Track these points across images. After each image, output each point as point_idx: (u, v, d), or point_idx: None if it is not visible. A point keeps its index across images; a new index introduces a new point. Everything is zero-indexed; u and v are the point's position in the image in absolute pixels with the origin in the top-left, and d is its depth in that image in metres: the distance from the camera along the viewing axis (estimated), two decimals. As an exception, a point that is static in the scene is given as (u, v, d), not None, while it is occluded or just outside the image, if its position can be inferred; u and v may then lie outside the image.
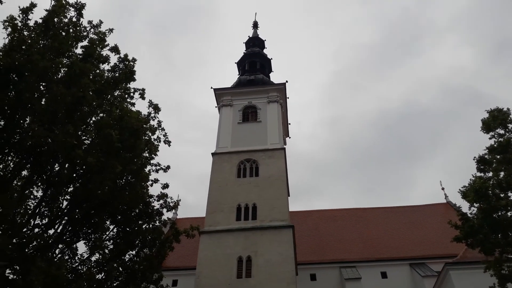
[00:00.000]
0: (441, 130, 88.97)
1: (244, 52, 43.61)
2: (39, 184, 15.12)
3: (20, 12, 14.52)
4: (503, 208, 17.16)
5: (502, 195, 17.54)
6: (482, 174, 18.74)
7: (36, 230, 14.68)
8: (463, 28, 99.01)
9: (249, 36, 46.32)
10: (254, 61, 41.87)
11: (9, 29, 14.32)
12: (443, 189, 40.97)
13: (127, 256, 17.11)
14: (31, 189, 15.16)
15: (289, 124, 39.82)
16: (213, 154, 31.35)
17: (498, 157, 18.34)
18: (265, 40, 45.86)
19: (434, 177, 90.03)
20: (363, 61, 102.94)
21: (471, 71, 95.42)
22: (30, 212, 14.86)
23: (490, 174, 18.43)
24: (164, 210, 18.35)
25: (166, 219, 18.65)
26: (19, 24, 14.53)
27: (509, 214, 17.32)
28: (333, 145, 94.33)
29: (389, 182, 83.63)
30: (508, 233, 17.19)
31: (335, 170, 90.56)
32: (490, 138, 18.92)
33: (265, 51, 44.60)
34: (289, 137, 40.52)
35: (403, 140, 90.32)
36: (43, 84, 14.50)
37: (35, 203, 15.09)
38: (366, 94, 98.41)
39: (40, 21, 14.88)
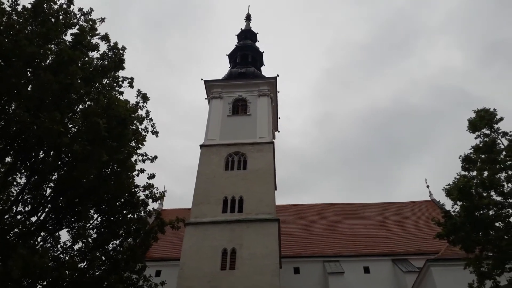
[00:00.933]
0: (429, 129, 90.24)
1: (236, 45, 43.46)
2: (23, 171, 14.94)
3: (9, -4, 14.24)
4: (485, 206, 17.44)
5: (484, 194, 17.81)
6: (466, 173, 19.00)
7: (19, 217, 14.53)
8: (455, 30, 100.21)
9: (241, 29, 46.16)
10: (246, 54, 41.76)
11: (-3, 14, 14.04)
12: (428, 187, 41.62)
13: (110, 245, 17.04)
14: (14, 176, 14.96)
15: (279, 118, 39.96)
16: (201, 146, 31.29)
17: (482, 156, 18.61)
18: (257, 33, 45.82)
19: (420, 175, 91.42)
20: (355, 60, 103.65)
21: (461, 73, 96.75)
22: (12, 198, 14.67)
23: (474, 173, 18.69)
24: (150, 201, 18.31)
25: (152, 209, 18.61)
26: (8, 8, 14.26)
27: (490, 212, 17.62)
28: (322, 142, 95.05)
29: (376, 179, 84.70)
30: (488, 231, 17.51)
31: (324, 166, 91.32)
32: (476, 138, 19.15)
33: (257, 44, 44.53)
34: (279, 131, 40.67)
35: (391, 139, 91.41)
36: (30, 70, 14.28)
37: (18, 190, 14.91)
38: (357, 92, 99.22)
39: (29, 6, 14.63)
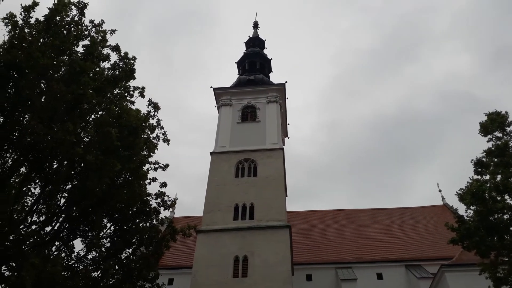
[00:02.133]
0: (438, 135, 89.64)
1: (244, 52, 43.66)
2: (37, 181, 15.13)
3: (22, 10, 14.54)
4: (499, 211, 17.22)
5: (498, 198, 17.60)
6: (479, 177, 18.80)
7: (33, 227, 14.70)
8: (461, 35, 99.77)
9: (249, 36, 46.37)
10: (254, 61, 41.90)
11: (9, 26, 14.33)
12: (440, 191, 41.12)
13: (123, 254, 17.14)
14: (29, 186, 15.18)
15: (288, 124, 39.91)
16: (211, 153, 31.38)
17: (495, 160, 18.41)
18: (265, 40, 45.97)
19: (431, 180, 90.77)
20: (361, 67, 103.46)
21: (468, 77, 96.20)
22: (27, 209, 14.88)
23: (487, 177, 18.48)
24: (162, 209, 18.40)
25: (163, 217, 18.68)
26: (20, 21, 14.54)
27: (505, 217, 17.37)
28: (330, 149, 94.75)
29: (386, 185, 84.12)
30: (504, 236, 17.26)
31: (332, 173, 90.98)
32: (488, 141, 18.97)
33: (265, 51, 44.67)
34: (288, 138, 40.63)
35: (400, 145, 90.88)
36: (43, 81, 14.52)
37: (33, 200, 15.11)
38: (364, 99, 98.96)
39: (42, 19, 14.90)
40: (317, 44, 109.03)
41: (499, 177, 17.92)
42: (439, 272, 25.54)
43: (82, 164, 14.75)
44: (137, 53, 17.40)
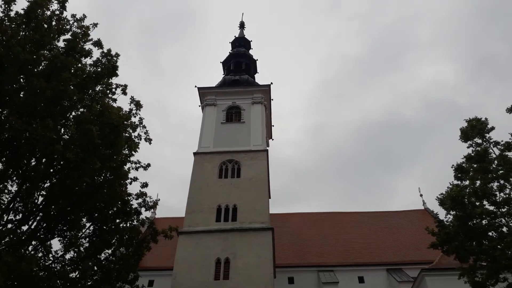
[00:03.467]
0: (421, 140, 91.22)
1: (229, 52, 43.50)
2: (14, 178, 14.70)
3: (3, 2, 14.14)
4: (478, 216, 17.49)
5: (477, 204, 17.87)
6: (459, 182, 19.07)
7: (9, 225, 14.27)
8: (444, 44, 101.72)
9: (235, 36, 46.22)
10: (240, 61, 41.77)
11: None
12: (421, 195, 41.63)
13: (103, 255, 16.78)
14: (6, 183, 14.72)
15: (273, 126, 39.91)
16: (194, 153, 31.10)
17: (475, 165, 18.70)
18: (251, 41, 45.87)
19: (413, 185, 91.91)
20: (348, 72, 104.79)
21: (451, 85, 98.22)
22: (3, 207, 14.42)
23: (467, 182, 18.75)
24: (143, 210, 18.09)
25: (144, 218, 18.38)
26: (0, 14, 14.15)
27: (483, 222, 17.66)
28: (315, 153, 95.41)
29: (369, 189, 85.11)
30: (482, 241, 17.53)
31: (317, 177, 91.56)
32: (468, 147, 19.26)
33: (251, 52, 44.60)
34: (272, 139, 40.64)
35: (384, 150, 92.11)
36: (23, 76, 14.13)
37: (9, 198, 14.66)
38: (350, 104, 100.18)
39: (22, 12, 14.51)
40: (303, 48, 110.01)
41: (478, 182, 18.20)
42: (419, 276, 25.83)
43: (62, 162, 14.39)
44: (124, 53, 17.13)
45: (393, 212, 40.27)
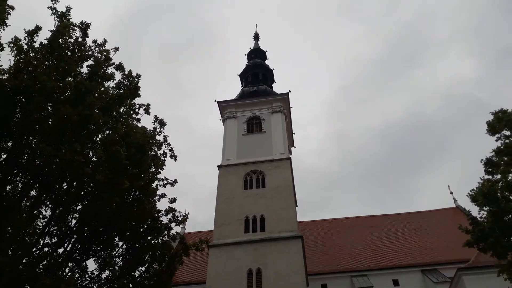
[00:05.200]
0: (447, 138, 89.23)
1: (246, 64, 43.92)
2: (48, 203, 15.18)
3: (26, 34, 14.75)
4: (513, 210, 16.99)
5: (511, 197, 17.38)
6: (490, 177, 18.60)
7: (46, 249, 14.71)
8: (465, 39, 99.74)
9: (250, 48, 46.68)
10: (257, 72, 42.12)
11: (15, 51, 14.53)
12: (451, 193, 40.59)
13: (137, 272, 17.04)
14: (40, 209, 15.23)
15: (294, 134, 39.91)
16: (219, 166, 31.39)
17: (505, 158, 18.20)
18: (266, 51, 46.22)
19: (442, 184, 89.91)
20: (366, 76, 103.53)
21: (473, 81, 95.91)
22: (39, 231, 14.91)
23: (499, 176, 18.28)
24: (173, 225, 18.31)
25: (175, 233, 18.61)
26: (25, 46, 14.74)
27: (519, 216, 17.15)
28: (339, 159, 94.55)
29: (397, 192, 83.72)
30: (519, 235, 17.01)
31: (343, 183, 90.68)
32: (496, 140, 18.81)
33: (267, 62, 44.91)
34: (295, 147, 40.58)
35: (409, 151, 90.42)
36: (50, 104, 14.64)
37: (44, 223, 15.14)
38: (371, 107, 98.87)
39: (45, 42, 15.09)
40: (320, 54, 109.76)
41: (510, 175, 17.72)
42: (456, 275, 25.16)
43: (92, 184, 14.78)
44: (144, 73, 17.52)
45: (423, 212, 39.41)
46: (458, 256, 28.96)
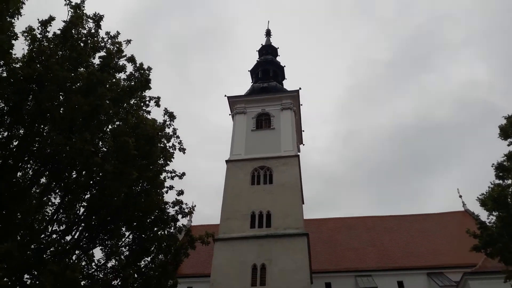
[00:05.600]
0: (458, 142, 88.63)
1: (257, 60, 43.88)
2: (57, 191, 15.36)
3: (40, 24, 14.90)
4: (523, 216, 16.79)
5: (522, 203, 17.17)
6: (501, 182, 18.39)
7: (54, 236, 14.91)
8: (477, 43, 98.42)
9: (262, 44, 46.59)
10: (267, 68, 42.06)
11: (29, 40, 14.69)
12: (460, 196, 40.25)
13: (142, 262, 17.19)
14: (49, 196, 15.42)
15: (303, 131, 39.81)
16: (227, 161, 31.48)
17: (517, 163, 17.99)
18: (278, 48, 46.09)
19: (452, 187, 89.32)
20: (378, 76, 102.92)
21: (485, 85, 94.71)
22: (48, 218, 15.12)
23: (509, 181, 18.06)
24: (179, 217, 18.42)
25: (181, 225, 18.72)
26: (38, 35, 14.89)
27: (529, 222, 16.93)
28: (348, 159, 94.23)
29: (405, 194, 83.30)
30: (528, 241, 16.81)
31: (351, 183, 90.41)
32: (508, 145, 18.58)
33: (278, 58, 44.80)
34: (303, 145, 40.50)
35: (418, 153, 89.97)
36: (62, 93, 14.80)
37: (53, 210, 15.35)
38: (381, 108, 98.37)
39: (59, 32, 15.23)
40: (331, 53, 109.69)
41: (521, 181, 17.50)
42: (462, 279, 24.98)
43: (100, 174, 14.92)
44: (155, 68, 17.55)
45: (431, 215, 39.15)
46: (465, 260, 28.71)
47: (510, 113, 18.86)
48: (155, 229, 17.35)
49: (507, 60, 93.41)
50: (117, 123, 16.31)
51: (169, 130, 18.24)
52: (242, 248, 25.54)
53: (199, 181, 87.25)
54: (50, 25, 15.14)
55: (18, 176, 14.23)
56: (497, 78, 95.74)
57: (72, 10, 15.56)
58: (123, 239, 16.93)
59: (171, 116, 18.34)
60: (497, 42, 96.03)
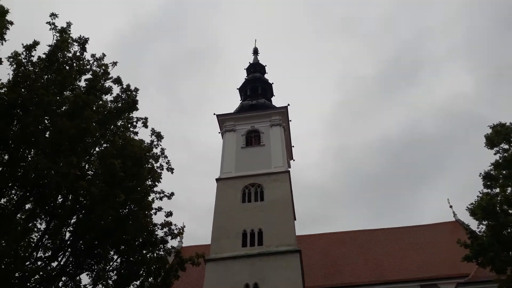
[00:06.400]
0: (445, 153, 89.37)
1: (245, 78, 44.13)
2: (43, 216, 15.10)
3: (24, 49, 14.89)
4: (512, 224, 16.90)
5: (510, 211, 17.30)
6: (489, 191, 18.56)
7: (39, 263, 14.59)
8: (462, 56, 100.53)
9: (249, 63, 46.94)
10: (256, 86, 42.28)
11: (14, 65, 14.64)
12: (451, 207, 40.31)
13: (131, 286, 16.85)
14: (35, 222, 15.14)
15: (293, 147, 39.91)
16: (217, 179, 31.31)
17: (504, 172, 18.20)
18: (265, 65, 46.46)
19: (442, 198, 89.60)
20: (364, 91, 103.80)
21: (472, 96, 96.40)
22: (33, 245, 14.80)
23: (497, 190, 18.23)
24: (169, 238, 18.19)
25: (170, 247, 18.46)
26: (23, 60, 14.86)
27: (518, 230, 17.03)
28: (339, 174, 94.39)
29: (397, 206, 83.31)
30: (518, 250, 16.87)
31: (343, 197, 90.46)
32: (494, 154, 18.83)
33: (266, 76, 45.13)
34: (294, 160, 40.52)
35: (408, 165, 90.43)
36: (47, 117, 14.69)
37: (38, 236, 15.04)
38: (370, 123, 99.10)
39: (44, 56, 15.22)
40: (319, 69, 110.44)
41: (509, 189, 17.66)
42: (456, 290, 24.88)
43: (87, 197, 14.74)
44: (145, 90, 17.54)
45: (423, 226, 39.14)
46: (458, 270, 28.64)
47: (495, 122, 19.20)
48: (144, 251, 17.09)
49: (492, 71, 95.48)
50: (104, 145, 16.20)
51: (157, 150, 18.14)
52: (234, 267, 25.22)
53: (191, 201, 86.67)
54: (35, 50, 15.14)
55: (2, 202, 13.98)
56: (483, 89, 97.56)
57: (58, 34, 15.60)
58: (111, 263, 16.63)
59: (159, 136, 18.24)
60: (481, 54, 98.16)
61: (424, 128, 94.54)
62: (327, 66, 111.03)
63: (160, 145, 18.28)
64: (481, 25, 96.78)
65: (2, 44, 14.37)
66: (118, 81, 17.10)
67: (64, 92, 15.36)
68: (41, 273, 13.99)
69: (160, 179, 17.83)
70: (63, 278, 15.38)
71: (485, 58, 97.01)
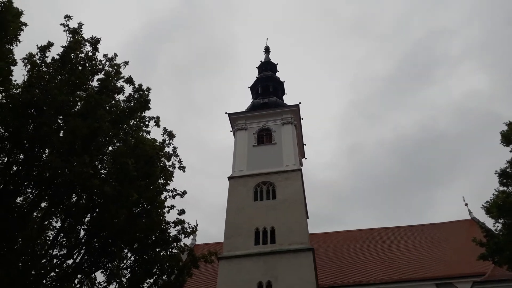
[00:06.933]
0: (461, 151, 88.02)
1: (256, 77, 44.10)
2: (58, 214, 15.34)
3: (38, 50, 15.11)
4: (528, 222, 16.57)
5: (527, 209, 16.95)
6: (505, 188, 18.21)
7: (55, 260, 14.82)
8: (477, 54, 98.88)
9: (261, 61, 46.88)
10: (267, 84, 42.19)
11: (29, 66, 14.88)
12: (466, 205, 39.69)
13: (145, 284, 17.01)
14: (50, 220, 15.39)
15: (305, 145, 39.76)
16: (229, 178, 31.37)
17: (520, 169, 17.85)
18: (277, 64, 46.34)
19: (457, 196, 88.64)
20: (378, 91, 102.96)
21: (487, 95, 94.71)
22: (49, 243, 15.05)
23: (513, 188, 17.88)
24: (182, 236, 18.31)
25: (183, 245, 18.57)
26: (37, 61, 15.09)
27: (535, 228, 16.70)
28: (352, 173, 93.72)
29: (411, 206, 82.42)
30: (535, 248, 16.54)
31: (356, 196, 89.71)
32: (510, 151, 18.46)
33: (277, 74, 45.02)
34: (305, 158, 40.38)
35: (422, 164, 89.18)
36: (60, 117, 14.90)
37: (54, 234, 15.29)
38: (383, 122, 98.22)
39: (57, 57, 15.43)
40: (332, 68, 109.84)
41: (525, 187, 17.33)
42: (472, 289, 24.52)
43: (101, 196, 14.90)
44: (159, 91, 17.68)
45: (438, 224, 38.58)
46: (474, 269, 28.19)
47: (511, 120, 18.81)
48: (157, 249, 17.23)
49: (507, 68, 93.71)
50: (117, 144, 16.36)
51: (169, 149, 18.31)
52: (246, 265, 25.24)
53: (203, 200, 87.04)
54: (49, 50, 15.37)
55: (18, 201, 14.23)
56: (498, 87, 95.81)
57: (71, 35, 15.80)
58: (125, 261, 16.80)
59: (170, 135, 18.40)
60: (495, 52, 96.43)
61: (439, 127, 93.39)
62: (339, 65, 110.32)
63: (172, 144, 18.48)
64: (496, 23, 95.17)
65: (16, 45, 14.65)
66: (129, 80, 17.27)
67: (77, 92, 15.55)
68: (57, 270, 14.21)
69: (172, 178, 17.99)
70: (79, 276, 15.61)
71: (500, 57, 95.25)
